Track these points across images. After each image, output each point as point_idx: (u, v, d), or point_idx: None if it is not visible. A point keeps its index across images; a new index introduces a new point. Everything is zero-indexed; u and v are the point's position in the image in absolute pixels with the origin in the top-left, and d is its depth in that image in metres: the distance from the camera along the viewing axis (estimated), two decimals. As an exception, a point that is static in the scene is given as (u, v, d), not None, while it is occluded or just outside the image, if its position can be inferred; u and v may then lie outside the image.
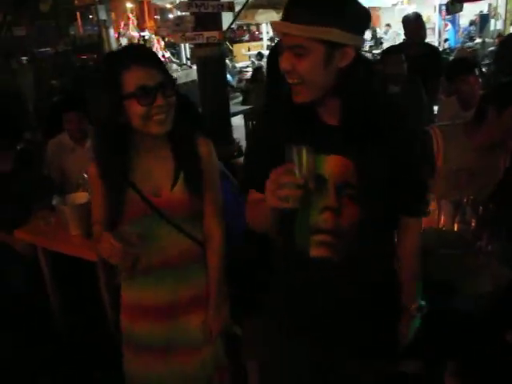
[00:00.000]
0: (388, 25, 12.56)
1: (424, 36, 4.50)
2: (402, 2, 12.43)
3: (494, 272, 1.98)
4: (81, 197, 2.77)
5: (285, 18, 1.22)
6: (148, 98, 1.46)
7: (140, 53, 1.54)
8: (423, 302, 1.59)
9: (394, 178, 1.33)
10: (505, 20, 9.95)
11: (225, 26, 4.61)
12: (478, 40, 9.53)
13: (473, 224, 2.09)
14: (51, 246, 2.77)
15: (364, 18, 1.26)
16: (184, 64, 9.75)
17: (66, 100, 3.70)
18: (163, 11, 13.53)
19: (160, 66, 1.52)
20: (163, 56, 9.77)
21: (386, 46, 9.09)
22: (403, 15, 4.75)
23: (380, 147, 1.30)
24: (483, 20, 10.81)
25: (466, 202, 2.09)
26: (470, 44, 9.16)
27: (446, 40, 10.33)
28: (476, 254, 2.04)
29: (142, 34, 11.80)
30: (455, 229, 2.11)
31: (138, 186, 1.62)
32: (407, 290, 1.57)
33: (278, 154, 1.18)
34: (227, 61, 9.07)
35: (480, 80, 3.34)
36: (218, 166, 1.77)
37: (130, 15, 12.43)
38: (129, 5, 14.15)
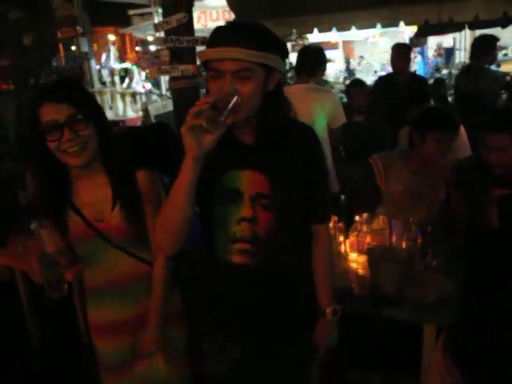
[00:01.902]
0: (361, 57, 13.01)
1: (402, 66, 4.65)
2: (373, 35, 12.87)
3: (438, 285, 2.15)
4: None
5: (228, 44, 1.29)
6: (55, 134, 1.53)
7: (54, 88, 1.60)
8: (337, 307, 1.69)
9: (301, 188, 1.50)
10: (470, 53, 10.38)
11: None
12: (445, 71, 9.97)
13: (419, 241, 2.28)
14: (28, 268, 2.86)
15: (285, 47, 1.46)
16: (164, 95, 9.94)
17: None
18: (145, 43, 13.79)
19: (74, 100, 1.54)
20: (144, 87, 9.95)
21: (358, 76, 9.43)
22: (374, 47, 4.99)
23: (288, 162, 1.46)
24: (448, 53, 11.31)
25: (412, 221, 2.28)
26: (438, 75, 9.55)
27: (415, 71, 10.73)
28: (423, 269, 2.23)
29: (124, 65, 12.01)
30: (403, 246, 2.30)
31: (81, 211, 1.69)
32: (321, 293, 1.67)
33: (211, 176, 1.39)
34: (205, 91, 9.28)
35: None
36: (161, 195, 1.74)
37: (112, 47, 12.65)
38: (111, 37, 14.41)
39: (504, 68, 11.04)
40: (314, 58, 3.52)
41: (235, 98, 1.28)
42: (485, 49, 4.36)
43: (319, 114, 3.30)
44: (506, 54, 12.88)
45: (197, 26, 7.87)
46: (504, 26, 6.66)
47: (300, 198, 1.52)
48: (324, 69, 3.65)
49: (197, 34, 4.48)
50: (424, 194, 2.46)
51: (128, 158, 1.73)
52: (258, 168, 1.45)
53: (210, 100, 1.23)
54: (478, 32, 4.99)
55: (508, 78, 6.85)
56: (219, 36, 1.34)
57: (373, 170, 2.57)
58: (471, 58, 4.55)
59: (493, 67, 8.43)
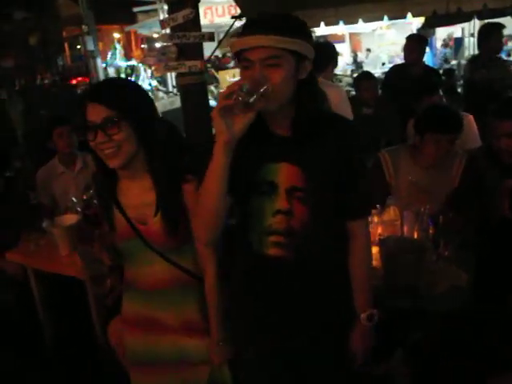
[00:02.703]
0: (368, 49, 12.94)
1: (416, 57, 4.60)
2: (380, 27, 12.79)
3: (451, 275, 2.14)
4: (69, 219, 2.91)
5: (257, 32, 1.29)
6: (91, 135, 1.51)
7: (97, 88, 1.60)
8: (374, 311, 1.61)
9: (337, 182, 1.47)
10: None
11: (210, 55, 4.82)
12: (454, 62, 9.90)
13: (431, 232, 2.27)
14: (41, 266, 2.89)
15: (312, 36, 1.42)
16: (170, 92, 9.95)
17: (56, 117, 3.65)
18: (150, 40, 13.80)
19: (112, 101, 1.50)
20: (150, 84, 9.97)
21: (366, 69, 9.38)
22: (382, 40, 4.96)
23: (323, 154, 1.44)
24: (457, 43, 11.22)
25: (424, 211, 2.27)
26: (447, 66, 9.49)
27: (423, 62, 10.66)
28: (435, 259, 2.22)
29: (129, 63, 12.04)
30: (415, 236, 2.29)
31: (125, 210, 1.67)
32: (357, 296, 1.61)
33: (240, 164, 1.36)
34: (213, 87, 9.28)
35: (444, 99, 3.56)
36: None
37: (117, 45, 12.69)
38: (116, 35, 14.44)
39: (514, 57, 10.94)
40: (324, 54, 3.48)
41: (266, 85, 1.28)
42: (489, 37, 4.31)
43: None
44: (516, 43, 12.79)
45: (203, 21, 7.87)
46: (513, 14, 6.60)
47: (335, 191, 1.48)
48: (335, 65, 3.62)
49: (203, 30, 4.48)
50: (434, 187, 2.45)
51: (176, 164, 1.65)
52: (294, 161, 1.43)
53: (242, 83, 1.24)
54: (498, 22, 4.93)
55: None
56: (248, 26, 1.34)
57: (381, 164, 2.57)
58: (479, 47, 4.51)
59: (503, 57, 8.39)
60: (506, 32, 10.25)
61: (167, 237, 1.63)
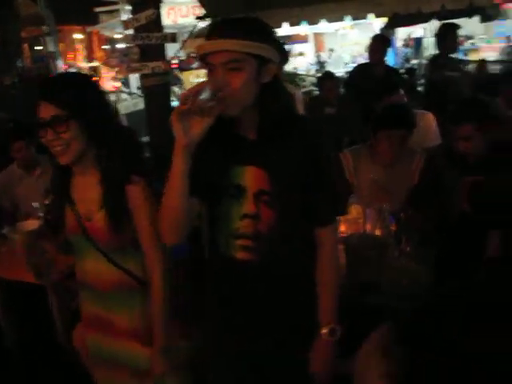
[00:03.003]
0: (331, 49, 13.07)
1: (379, 57, 4.71)
2: (343, 27, 12.92)
3: (412, 271, 2.19)
4: (31, 224, 2.85)
5: (218, 36, 1.31)
6: (42, 132, 1.54)
7: (47, 85, 1.59)
8: (337, 326, 1.55)
9: (302, 185, 1.47)
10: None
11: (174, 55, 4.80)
12: (415, 61, 10.10)
13: (392, 228, 2.32)
14: (2, 273, 2.83)
15: (278, 39, 1.44)
16: (134, 93, 9.85)
17: (14, 129, 3.70)
18: (112, 41, 13.64)
19: (61, 100, 1.51)
20: (113, 86, 9.84)
21: (329, 69, 9.48)
22: (345, 40, 5.02)
23: (290, 157, 1.44)
24: (417, 43, 11.46)
25: (385, 208, 2.32)
26: (408, 65, 9.67)
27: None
28: (397, 255, 2.27)
29: (91, 64, 11.87)
30: (378, 233, 2.33)
31: (77, 205, 1.69)
32: (321, 307, 1.56)
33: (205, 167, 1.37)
34: (177, 88, 9.22)
35: (405, 99, 3.62)
36: (150, 203, 1.64)
37: (78, 46, 12.50)
38: (77, 36, 14.20)
39: (471, 57, 11.24)
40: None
41: (224, 90, 1.29)
42: (445, 37, 4.43)
43: None
44: (473, 43, 13.12)
45: (166, 22, 7.83)
46: (470, 15, 6.79)
47: (302, 195, 1.48)
48: (284, 63, 3.60)
49: (166, 31, 4.45)
50: (394, 185, 2.51)
51: (126, 164, 1.65)
52: (260, 164, 1.44)
53: (200, 87, 1.24)
54: (454, 23, 5.05)
55: (474, 66, 6.97)
56: (210, 30, 1.35)
57: (342, 163, 2.62)
58: (437, 47, 4.62)
59: (460, 56, 8.59)
60: (463, 32, 10.54)
61: (110, 234, 1.63)
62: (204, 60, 1.36)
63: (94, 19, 12.10)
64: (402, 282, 2.10)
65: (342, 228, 2.36)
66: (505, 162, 2.19)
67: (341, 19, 6.14)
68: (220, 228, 1.53)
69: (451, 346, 1.82)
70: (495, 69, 7.26)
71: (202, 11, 7.01)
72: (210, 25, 1.39)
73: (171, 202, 1.40)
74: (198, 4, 7.63)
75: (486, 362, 1.78)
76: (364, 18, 6.02)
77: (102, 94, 1.67)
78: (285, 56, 3.52)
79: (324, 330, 1.54)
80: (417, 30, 11.56)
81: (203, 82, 1.32)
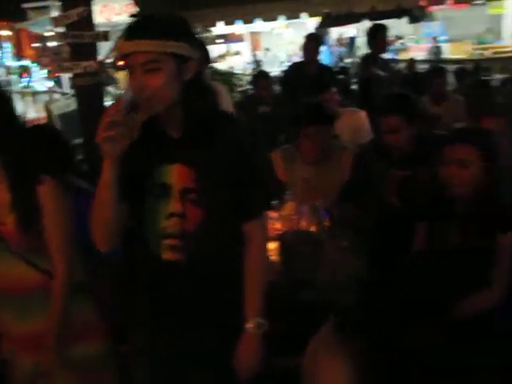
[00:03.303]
0: (267, 48, 13.19)
1: (312, 56, 4.78)
2: (279, 27, 13.06)
3: (348, 265, 2.25)
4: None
5: (134, 37, 1.31)
6: None
7: None
8: (263, 320, 1.55)
9: (230, 182, 1.48)
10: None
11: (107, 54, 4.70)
12: (349, 60, 10.37)
13: (327, 224, 2.38)
14: None
15: (196, 35, 1.45)
16: (66, 93, 9.54)
17: None
18: (43, 39, 13.15)
19: None
20: (45, 85, 9.49)
21: (265, 68, 9.56)
22: (280, 39, 5.09)
23: (215, 154, 1.45)
24: (350, 42, 11.78)
25: (319, 205, 2.38)
26: (342, 64, 9.91)
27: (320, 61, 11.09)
28: (332, 250, 2.33)
29: (21, 63, 11.39)
30: (313, 229, 2.39)
31: None
32: (247, 301, 1.56)
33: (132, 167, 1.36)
34: (112, 88, 9.02)
35: (338, 97, 3.71)
36: (61, 204, 1.68)
37: (6, 44, 11.96)
38: (4, 33, 13.58)
39: (402, 56, 11.65)
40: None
41: (144, 91, 1.30)
42: (374, 37, 4.59)
43: None
44: (403, 43, 13.61)
45: (99, 19, 7.63)
46: (399, 16, 7.07)
47: (229, 192, 1.49)
48: (208, 61, 3.60)
49: (100, 29, 4.35)
50: (325, 181, 2.57)
51: (33, 164, 1.65)
52: (186, 162, 1.44)
53: (119, 107, 1.24)
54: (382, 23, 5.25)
55: (404, 65, 7.25)
56: (128, 30, 1.35)
57: (274, 162, 2.66)
58: (368, 47, 4.77)
59: (391, 55, 8.88)
60: (393, 32, 10.90)
61: (22, 236, 1.63)
62: (125, 61, 1.35)
63: (22, 15, 11.61)
64: (338, 277, 2.16)
65: (277, 225, 2.40)
66: (429, 156, 2.29)
67: (275, 18, 6.25)
68: (148, 228, 1.52)
69: (390, 342, 1.89)
70: (423, 68, 7.56)
71: (136, 9, 6.92)
72: (125, 26, 1.37)
73: (102, 213, 1.40)
74: (132, 2, 7.52)
75: (422, 356, 1.87)
76: (297, 17, 6.16)
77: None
78: (205, 53, 3.50)
79: (250, 324, 1.54)
80: (350, 30, 11.88)
81: (123, 94, 1.34)
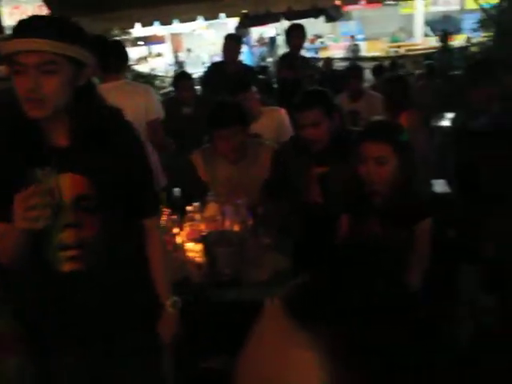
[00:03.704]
0: (189, 49, 13.14)
1: (233, 56, 4.78)
2: (200, 27, 13.04)
3: (273, 261, 2.27)
4: None
5: (29, 35, 1.24)
6: None
7: None
8: (177, 298, 1.69)
9: (123, 185, 1.47)
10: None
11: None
12: (270, 59, 10.52)
13: (250, 223, 2.39)
14: None
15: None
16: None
17: None
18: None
19: None
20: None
21: (188, 69, 9.49)
22: (202, 39, 5.06)
23: (106, 160, 1.43)
24: (271, 42, 11.95)
25: (241, 204, 2.38)
26: (263, 63, 10.02)
27: (241, 61, 11.15)
28: (257, 248, 2.34)
29: None
30: (236, 229, 2.38)
31: None
32: (159, 286, 1.66)
33: (13, 179, 1.29)
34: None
35: (258, 96, 3.72)
36: None
37: None
38: None
39: (321, 54, 11.96)
40: (118, 53, 3.32)
41: (36, 92, 1.25)
42: (290, 36, 4.66)
43: (135, 112, 3.15)
44: (322, 42, 14.00)
45: (9, 22, 7.28)
46: (316, 16, 7.23)
47: (123, 196, 1.49)
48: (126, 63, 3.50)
49: (10, 32, 4.13)
50: (247, 180, 2.58)
51: None
52: (76, 170, 1.40)
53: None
54: (297, 22, 5.34)
55: (322, 63, 7.43)
56: (23, 27, 1.27)
57: (194, 164, 2.64)
58: (286, 46, 4.84)
59: (311, 54, 9.05)
60: (313, 32, 11.07)
61: None
62: (11, 59, 1.27)
63: None
64: (264, 275, 2.17)
65: (201, 227, 2.38)
66: (346, 152, 2.34)
67: (193, 19, 6.20)
68: (44, 241, 1.45)
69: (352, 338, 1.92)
70: (342, 65, 7.79)
71: (48, 12, 6.65)
72: (19, 23, 1.29)
73: (8, 248, 1.37)
74: (43, 4, 7.22)
75: (384, 353, 1.91)
76: (216, 18, 6.14)
77: None
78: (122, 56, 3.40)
79: (168, 303, 1.66)
80: (270, 30, 12.05)
81: (15, 85, 1.26)
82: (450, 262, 2.83)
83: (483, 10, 6.43)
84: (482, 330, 2.23)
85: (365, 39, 13.97)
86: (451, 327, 2.71)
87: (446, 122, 4.48)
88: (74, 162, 1.39)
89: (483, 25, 6.72)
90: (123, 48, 3.41)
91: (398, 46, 12.92)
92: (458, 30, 12.93)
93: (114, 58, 3.26)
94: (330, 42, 13.84)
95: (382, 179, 1.98)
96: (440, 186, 3.69)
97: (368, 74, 6.12)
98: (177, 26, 9.85)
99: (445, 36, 8.18)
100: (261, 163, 2.62)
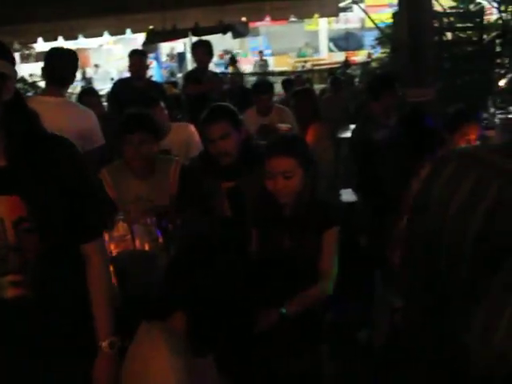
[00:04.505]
0: (96, 65, 12.84)
1: (139, 72, 4.71)
2: (107, 42, 12.81)
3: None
4: None
5: None
6: None
7: None
8: (115, 339, 1.55)
9: (63, 205, 1.41)
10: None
11: None
12: (180, 75, 10.51)
13: (160, 241, 2.36)
14: None
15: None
16: None
17: None
18: None
19: None
20: None
21: (96, 85, 9.28)
22: (110, 55, 4.97)
23: (45, 180, 1.37)
24: (181, 58, 11.97)
25: (151, 222, 2.35)
26: (173, 79, 10.00)
27: (151, 76, 11.07)
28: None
29: None
30: (147, 248, 2.35)
31: None
32: (97, 323, 1.53)
33: None
34: None
35: (166, 112, 3.71)
36: None
37: None
38: None
39: (231, 69, 12.11)
40: (69, 64, 3.13)
41: None
42: (197, 52, 4.72)
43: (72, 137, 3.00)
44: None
45: None
46: (224, 32, 7.32)
47: (64, 215, 1.41)
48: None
49: None
50: (155, 196, 2.55)
51: None
52: (13, 191, 1.33)
53: None
54: (205, 38, 5.38)
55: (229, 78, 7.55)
56: None
57: (102, 182, 2.58)
58: (194, 61, 4.88)
59: (221, 69, 9.11)
60: (222, 47, 11.18)
61: None
62: None
63: None
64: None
65: (111, 247, 2.32)
66: (254, 166, 2.39)
67: (99, 35, 6.10)
68: None
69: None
70: (251, 80, 7.94)
71: None
72: None
73: None
74: None
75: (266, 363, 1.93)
76: (122, 33, 6.08)
77: None
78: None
79: (104, 344, 1.51)
80: (180, 45, 12.06)
81: None
82: (364, 268, 2.98)
83: (379, 28, 6.83)
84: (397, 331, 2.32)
85: (273, 54, 14.35)
86: (367, 330, 2.85)
87: (351, 134, 4.71)
88: (10, 182, 1.33)
89: (380, 42, 7.16)
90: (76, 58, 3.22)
91: (305, 61, 13.39)
92: (360, 47, 13.66)
93: (65, 69, 3.07)
94: (239, 57, 14.06)
95: (290, 192, 2.04)
96: (347, 195, 3.87)
97: (278, 88, 6.30)
98: (83, 41, 9.60)
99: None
100: (169, 178, 2.61)
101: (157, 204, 2.51)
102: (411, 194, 2.20)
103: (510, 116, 5.28)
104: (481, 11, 5.99)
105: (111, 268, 2.19)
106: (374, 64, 8.28)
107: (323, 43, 14.81)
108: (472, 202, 0.95)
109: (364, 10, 9.25)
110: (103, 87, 9.23)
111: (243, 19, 6.21)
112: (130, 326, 1.78)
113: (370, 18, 7.74)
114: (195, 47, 4.76)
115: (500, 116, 5.34)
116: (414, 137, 2.69)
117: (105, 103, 5.81)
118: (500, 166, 0.96)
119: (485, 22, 6.05)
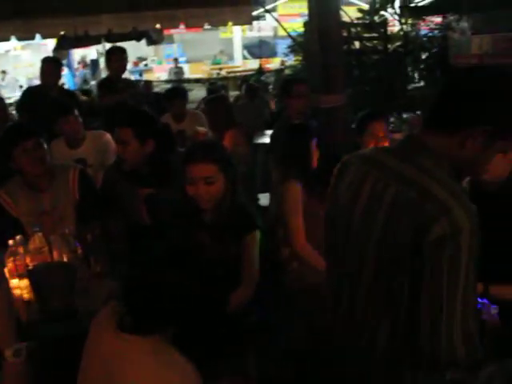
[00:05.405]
0: (4, 71, 12.20)
1: (51, 80, 4.59)
2: (15, 48, 12.25)
3: (107, 289, 2.22)
4: None
5: None
6: None
7: None
8: (21, 346, 1.57)
9: None
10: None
11: None
12: (93, 82, 10.23)
13: (79, 252, 2.32)
14: None
15: None
16: None
17: None
18: None
19: None
20: None
21: (4, 92, 8.84)
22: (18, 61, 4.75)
23: None
24: (94, 65, 11.64)
25: (69, 233, 2.31)
26: (87, 86, 9.73)
27: (63, 84, 10.67)
28: (88, 277, 2.28)
29: None
30: (65, 259, 2.29)
31: None
32: (2, 332, 1.56)
33: None
34: None
35: (80, 120, 3.63)
36: None
37: None
38: None
39: (146, 77, 11.99)
40: None
41: None
42: (110, 60, 4.64)
43: None
44: (146, 65, 14.04)
45: None
46: (138, 39, 7.23)
47: None
48: None
49: None
50: (60, 205, 2.55)
51: None
52: None
53: None
54: (117, 45, 5.27)
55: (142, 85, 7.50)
56: None
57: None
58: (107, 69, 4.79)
59: (136, 77, 9.02)
60: (137, 54, 11.01)
61: None
62: None
63: None
64: (99, 304, 2.11)
65: (27, 260, 2.25)
66: (172, 172, 2.41)
67: (6, 39, 5.82)
68: None
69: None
70: (165, 87, 7.90)
71: None
72: None
73: None
74: None
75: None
76: (31, 38, 5.84)
77: None
78: None
79: (8, 353, 1.52)
80: (93, 52, 11.74)
81: None
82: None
83: (291, 37, 7.05)
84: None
85: (187, 61, 14.33)
86: (286, 329, 2.92)
87: (267, 139, 4.81)
88: None
89: (293, 50, 7.38)
90: None
91: (220, 69, 13.48)
92: (273, 54, 13.96)
93: None
94: (153, 64, 13.93)
95: (212, 197, 2.06)
96: (265, 199, 3.96)
97: (192, 95, 6.31)
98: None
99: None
100: (68, 186, 2.60)
101: (63, 213, 2.50)
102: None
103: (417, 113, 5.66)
104: (384, 22, 6.34)
105: (26, 281, 2.14)
106: (287, 71, 8.50)
107: (237, 51, 14.98)
108: (372, 208, 1.04)
109: (276, 19, 9.48)
110: (11, 95, 8.83)
111: (157, 26, 6.15)
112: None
113: (282, 26, 7.95)
114: (109, 54, 4.67)
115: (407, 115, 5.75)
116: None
117: (13, 111, 5.57)
118: (397, 170, 1.05)
119: (388, 32, 6.40)
